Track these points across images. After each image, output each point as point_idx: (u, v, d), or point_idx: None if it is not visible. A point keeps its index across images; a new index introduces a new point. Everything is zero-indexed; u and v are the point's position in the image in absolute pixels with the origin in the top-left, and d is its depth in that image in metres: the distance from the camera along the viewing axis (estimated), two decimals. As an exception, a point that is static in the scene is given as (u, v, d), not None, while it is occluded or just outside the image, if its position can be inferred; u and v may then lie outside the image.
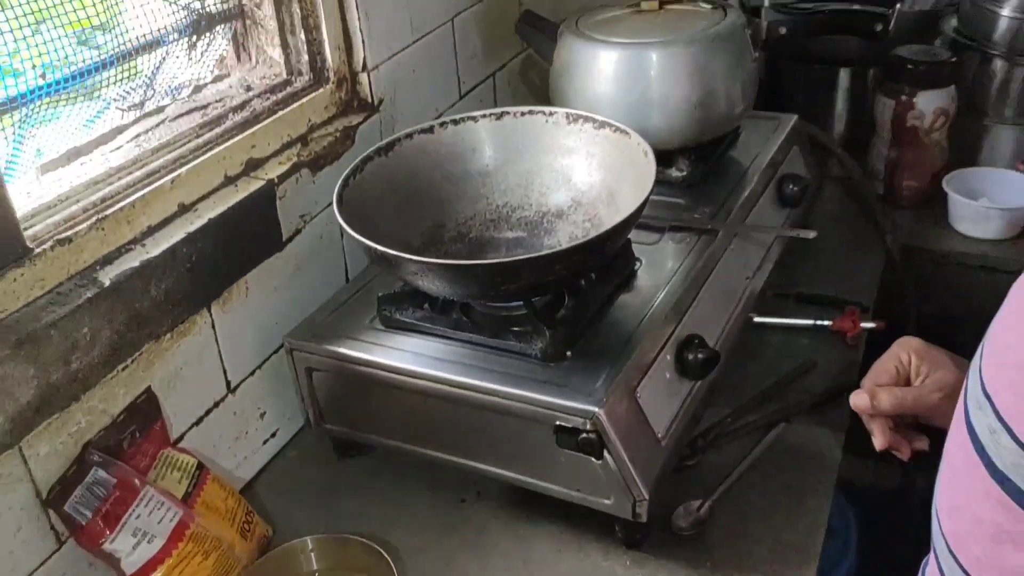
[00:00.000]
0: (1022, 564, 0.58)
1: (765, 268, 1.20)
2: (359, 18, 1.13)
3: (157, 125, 1.03)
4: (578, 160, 1.08)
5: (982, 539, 0.61)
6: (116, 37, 0.99)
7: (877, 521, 1.50)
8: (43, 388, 0.77)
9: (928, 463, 0.81)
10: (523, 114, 1.11)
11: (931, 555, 0.71)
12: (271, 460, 1.08)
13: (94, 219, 0.84)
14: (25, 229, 0.80)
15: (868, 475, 1.60)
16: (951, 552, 0.64)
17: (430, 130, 1.10)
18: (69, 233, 0.82)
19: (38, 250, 0.79)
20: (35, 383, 0.77)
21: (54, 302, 0.79)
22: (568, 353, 0.92)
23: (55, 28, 0.92)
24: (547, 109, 1.11)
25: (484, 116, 1.11)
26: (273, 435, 1.08)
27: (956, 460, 0.63)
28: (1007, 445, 0.56)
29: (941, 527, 0.66)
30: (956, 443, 0.63)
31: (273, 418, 1.08)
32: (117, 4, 0.98)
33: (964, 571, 0.63)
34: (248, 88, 1.12)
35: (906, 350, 0.93)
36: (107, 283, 0.82)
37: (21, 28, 0.87)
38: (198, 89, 1.11)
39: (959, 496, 0.63)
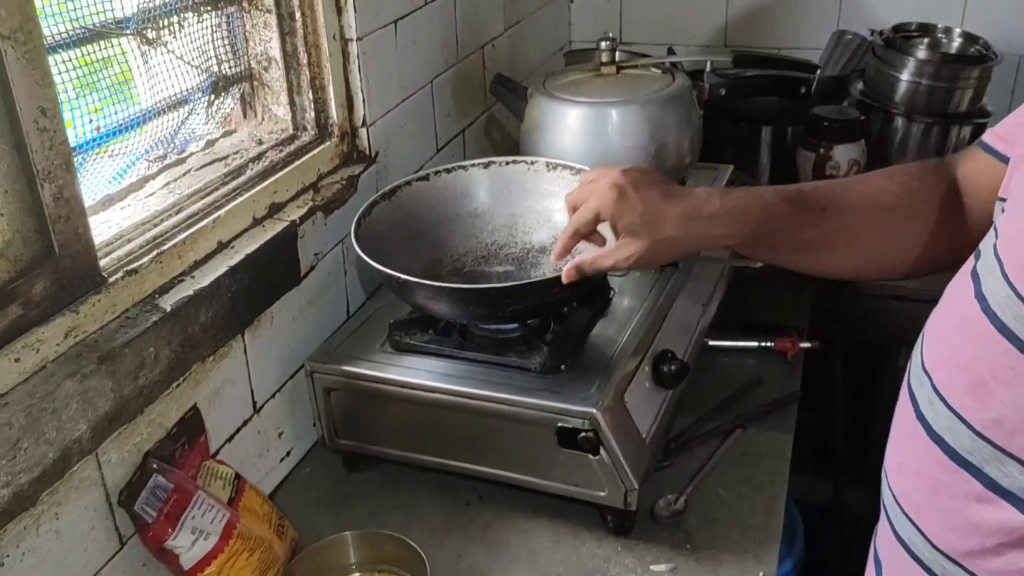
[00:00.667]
0: (958, 508, 0.73)
1: (716, 297, 1.37)
2: (361, 80, 1.27)
3: (184, 174, 1.14)
4: (557, 203, 1.24)
5: (923, 490, 0.77)
6: (152, 97, 1.11)
7: (811, 533, 1.67)
8: (118, 400, 0.88)
9: (857, 480, 0.96)
10: (508, 163, 1.27)
11: (881, 515, 0.86)
12: (287, 477, 1.18)
13: (153, 253, 0.95)
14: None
15: (801, 490, 1.78)
16: (898, 503, 0.81)
17: (426, 178, 1.25)
18: (135, 265, 0.93)
19: (111, 280, 0.90)
20: (112, 396, 0.87)
21: (125, 325, 0.90)
22: (562, 366, 1.07)
23: (106, 88, 1.04)
24: (529, 159, 1.27)
25: (473, 165, 1.26)
26: (288, 453, 1.19)
27: (902, 428, 0.79)
28: (942, 412, 0.72)
29: (889, 484, 0.82)
30: (901, 414, 0.79)
31: (289, 437, 1.18)
32: (145, 69, 1.10)
33: (910, 519, 0.79)
34: (259, 142, 1.25)
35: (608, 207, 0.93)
36: (168, 309, 0.93)
37: (82, 87, 0.99)
38: (211, 143, 1.24)
39: (904, 456, 0.80)
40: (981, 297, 0.70)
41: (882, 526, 0.84)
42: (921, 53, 1.60)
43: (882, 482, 0.83)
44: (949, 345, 0.73)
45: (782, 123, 1.77)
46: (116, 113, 1.06)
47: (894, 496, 0.80)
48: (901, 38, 1.66)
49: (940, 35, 1.73)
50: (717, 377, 1.33)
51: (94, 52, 1.01)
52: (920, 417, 0.75)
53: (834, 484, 1.81)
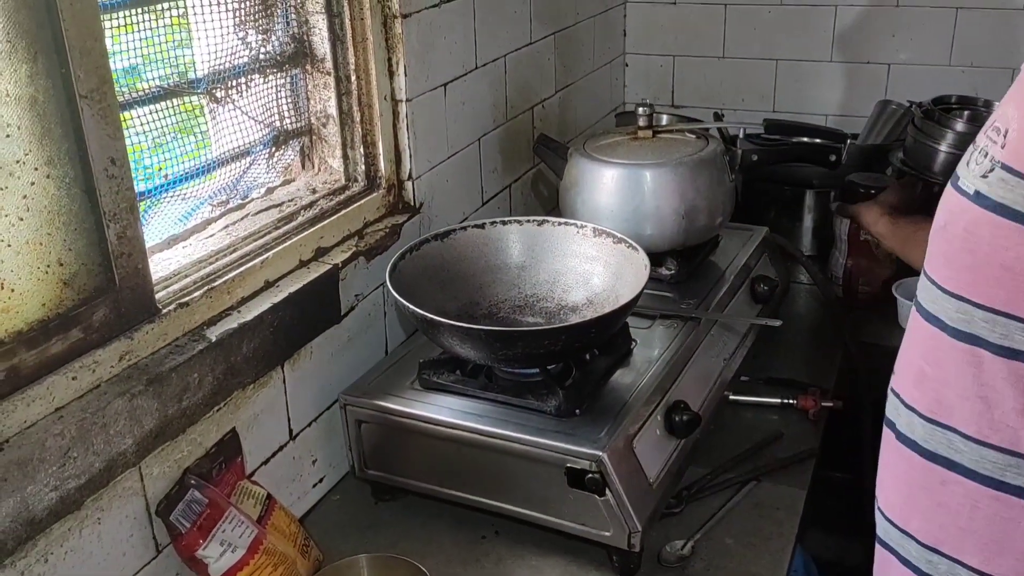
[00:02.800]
0: (930, 499, 0.80)
1: (740, 353, 1.42)
2: (408, 137, 1.38)
3: (241, 219, 1.26)
4: (597, 267, 1.31)
5: (901, 492, 0.84)
6: (218, 148, 1.23)
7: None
8: (162, 419, 0.97)
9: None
10: (560, 224, 1.35)
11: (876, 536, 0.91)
12: (318, 502, 1.26)
13: (204, 289, 1.06)
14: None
15: (832, 551, 1.77)
16: (883, 514, 0.87)
17: (481, 226, 1.34)
18: (187, 299, 1.03)
19: (164, 311, 1.00)
20: (157, 415, 0.96)
21: (174, 352, 1.00)
22: (577, 411, 1.13)
23: (177, 139, 1.16)
24: (578, 223, 1.34)
25: (529, 221, 1.35)
26: (321, 480, 1.27)
27: (883, 447, 0.88)
28: (903, 412, 0.84)
29: (876, 500, 0.88)
30: (883, 437, 0.88)
31: (322, 465, 1.27)
32: (214, 124, 1.23)
33: (895, 525, 0.85)
34: (313, 191, 1.36)
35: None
36: (213, 339, 1.03)
37: (154, 140, 1.11)
38: (270, 191, 1.35)
39: (884, 470, 0.87)
40: (916, 301, 0.83)
41: (876, 546, 0.90)
42: (960, 126, 1.63)
43: (875, 507, 0.89)
44: (903, 356, 0.87)
45: (824, 188, 1.81)
46: (185, 162, 1.19)
47: (880, 510, 0.89)
48: (940, 110, 1.69)
49: (981, 108, 1.75)
50: (738, 430, 1.36)
51: (168, 108, 1.14)
52: (890, 426, 0.86)
53: (863, 546, 1.80)
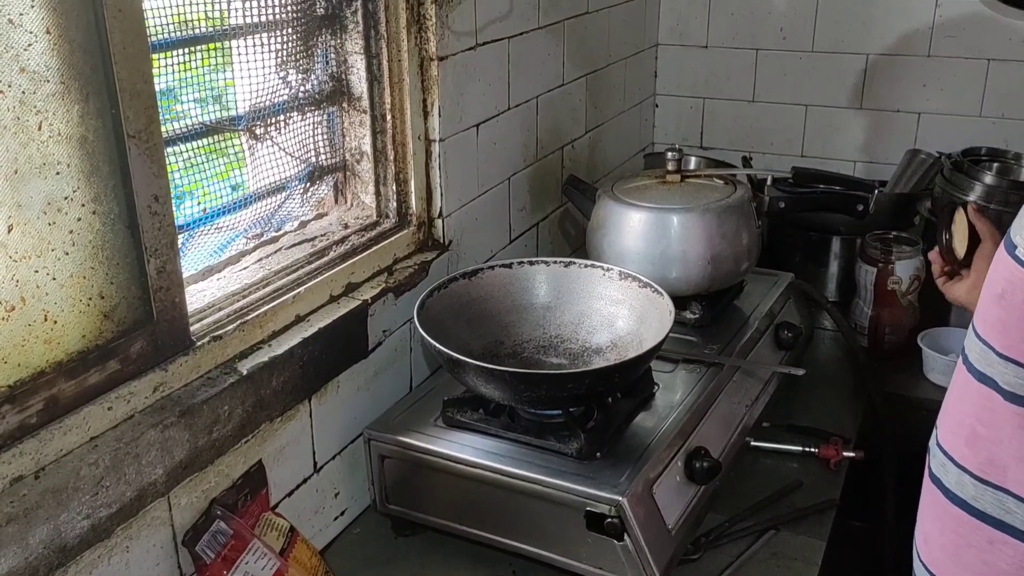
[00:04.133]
0: (976, 556, 0.81)
1: (762, 400, 1.42)
2: (440, 176, 1.40)
3: (275, 252, 1.28)
4: (622, 310, 1.33)
5: (947, 549, 0.85)
6: (255, 183, 1.27)
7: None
8: (192, 450, 1.00)
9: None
10: (586, 266, 1.37)
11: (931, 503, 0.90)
12: (339, 535, 1.28)
13: (237, 323, 1.09)
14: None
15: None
16: (927, 569, 0.87)
17: (509, 266, 1.36)
18: (220, 332, 1.06)
19: (198, 344, 1.03)
20: (188, 446, 0.99)
21: (206, 384, 1.03)
22: (598, 454, 1.14)
23: (213, 176, 1.19)
24: (605, 265, 1.36)
25: (556, 262, 1.37)
26: (342, 513, 1.28)
27: (925, 501, 0.89)
28: (952, 470, 0.85)
29: (920, 555, 0.89)
30: (925, 491, 0.89)
31: (344, 498, 1.28)
32: (248, 159, 1.26)
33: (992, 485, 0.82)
34: (345, 226, 1.38)
35: None
36: (244, 372, 1.06)
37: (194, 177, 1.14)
38: (303, 224, 1.38)
39: (928, 525, 0.88)
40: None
41: None
42: (988, 178, 1.64)
43: (914, 560, 0.90)
44: (951, 413, 0.87)
45: (850, 236, 1.81)
46: (223, 196, 1.22)
47: (924, 565, 0.90)
48: (969, 162, 1.70)
49: (1011, 160, 1.76)
50: (758, 478, 1.36)
51: (209, 144, 1.17)
52: (936, 482, 0.87)
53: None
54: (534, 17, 1.61)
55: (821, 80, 2.10)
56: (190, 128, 1.14)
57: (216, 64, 1.17)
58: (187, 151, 1.13)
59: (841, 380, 1.63)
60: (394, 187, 1.40)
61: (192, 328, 1.05)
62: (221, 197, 1.21)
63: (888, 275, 1.63)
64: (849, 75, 2.08)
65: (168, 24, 1.06)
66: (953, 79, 1.98)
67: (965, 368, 0.84)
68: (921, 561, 0.90)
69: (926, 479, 0.90)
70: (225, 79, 1.19)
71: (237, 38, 1.18)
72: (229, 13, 1.17)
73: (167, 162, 0.97)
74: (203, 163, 1.17)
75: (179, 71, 1.10)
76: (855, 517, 1.51)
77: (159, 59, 1.04)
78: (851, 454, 1.39)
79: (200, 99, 1.17)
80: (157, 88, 0.96)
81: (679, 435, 1.19)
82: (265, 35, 1.20)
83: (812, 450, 1.39)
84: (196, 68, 1.13)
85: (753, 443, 1.40)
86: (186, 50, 1.11)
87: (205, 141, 1.17)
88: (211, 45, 1.15)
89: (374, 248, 1.33)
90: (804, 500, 1.31)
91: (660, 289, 1.28)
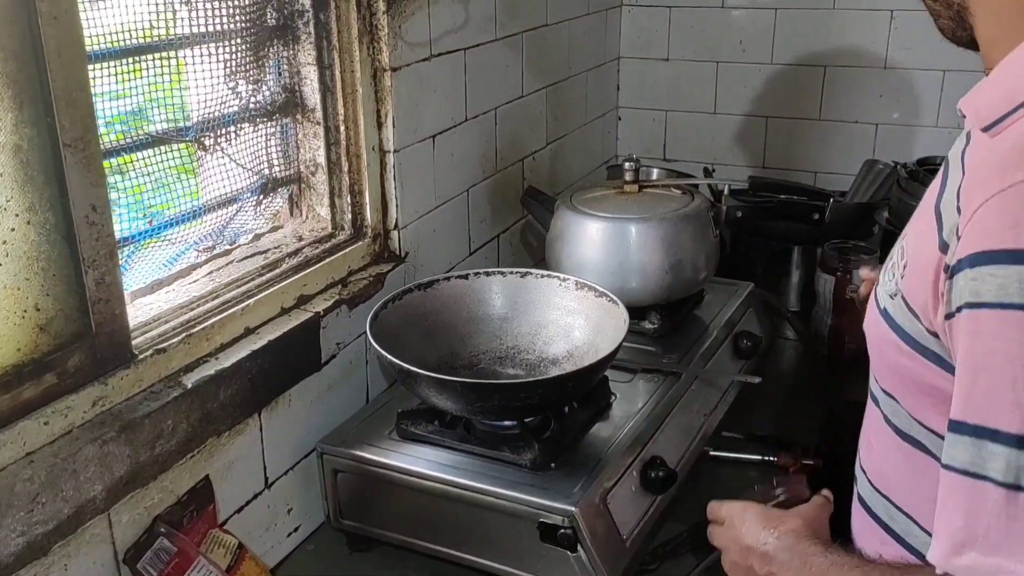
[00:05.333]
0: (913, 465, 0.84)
1: (721, 409, 1.42)
2: (395, 187, 1.39)
3: (226, 265, 1.27)
4: (579, 320, 1.32)
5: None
6: (205, 195, 1.25)
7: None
8: (133, 466, 0.97)
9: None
10: (543, 276, 1.36)
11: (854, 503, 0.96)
12: (292, 551, 1.25)
13: (183, 336, 1.07)
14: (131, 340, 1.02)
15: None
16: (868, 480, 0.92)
17: (465, 277, 1.35)
18: (164, 345, 1.04)
19: (141, 357, 1.01)
20: (128, 461, 0.97)
21: (148, 398, 1.00)
22: (552, 464, 1.13)
23: (163, 185, 1.18)
24: (561, 276, 1.35)
25: (512, 273, 1.36)
26: (296, 529, 1.26)
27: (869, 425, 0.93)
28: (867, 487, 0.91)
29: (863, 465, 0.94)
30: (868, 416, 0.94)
31: (298, 514, 1.26)
32: (198, 170, 1.24)
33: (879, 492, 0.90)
34: (300, 238, 1.37)
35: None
36: (189, 386, 1.04)
37: (140, 185, 1.12)
38: (257, 237, 1.36)
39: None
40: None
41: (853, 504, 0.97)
42: (943, 185, 1.65)
43: (856, 469, 0.97)
44: (863, 429, 0.95)
45: (811, 245, 1.82)
46: (171, 208, 1.20)
47: (866, 475, 0.94)
48: (925, 171, 1.71)
49: (966, 168, 1.77)
50: (717, 487, 1.35)
51: (155, 155, 1.16)
52: (856, 489, 0.95)
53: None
54: (491, 29, 1.61)
55: (781, 92, 2.12)
56: (136, 138, 1.12)
57: (163, 74, 1.16)
58: (132, 161, 1.12)
59: (801, 389, 1.63)
60: (349, 199, 1.38)
61: (135, 341, 1.02)
62: (169, 209, 1.20)
63: (846, 284, 1.63)
64: (808, 87, 2.10)
65: (111, 33, 1.04)
66: (909, 90, 2.00)
67: (869, 398, 0.92)
68: (862, 466, 0.95)
69: (856, 490, 0.96)
70: (172, 89, 1.18)
71: (184, 48, 1.17)
72: (176, 23, 1.15)
73: (106, 172, 0.96)
74: (150, 174, 1.15)
75: (124, 81, 1.09)
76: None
77: (103, 68, 1.03)
78: (810, 462, 1.38)
79: (147, 109, 1.16)
80: (99, 97, 0.95)
81: (635, 445, 1.18)
82: (213, 45, 1.19)
83: (771, 459, 1.39)
84: (142, 78, 1.12)
85: (712, 452, 1.39)
86: (131, 60, 1.09)
87: (152, 152, 1.15)
88: (158, 55, 1.14)
89: (328, 260, 1.32)
90: (763, 509, 1.30)
91: (615, 299, 1.27)
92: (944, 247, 0.71)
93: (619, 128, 2.31)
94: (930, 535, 0.74)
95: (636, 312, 1.44)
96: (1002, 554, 0.66)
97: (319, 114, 1.35)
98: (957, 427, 0.69)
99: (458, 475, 1.13)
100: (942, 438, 0.72)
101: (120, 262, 1.11)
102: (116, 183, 1.11)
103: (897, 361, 0.80)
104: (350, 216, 1.39)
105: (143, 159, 1.13)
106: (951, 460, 0.70)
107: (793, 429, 1.49)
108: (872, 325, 0.86)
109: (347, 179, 1.37)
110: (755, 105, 2.16)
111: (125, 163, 1.10)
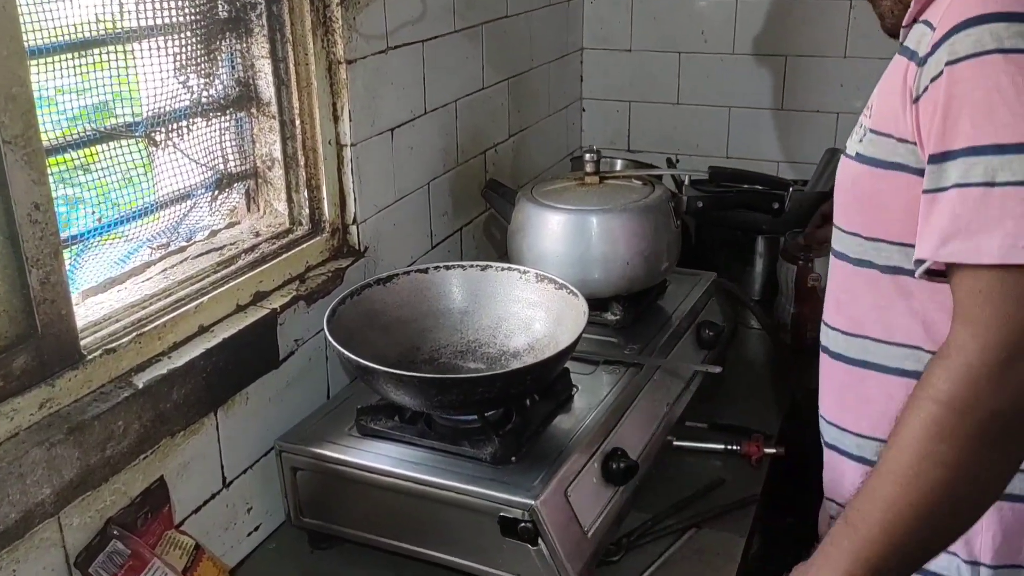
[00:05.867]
0: (859, 401, 1.03)
1: (684, 399, 1.42)
2: (353, 181, 1.38)
3: (181, 262, 1.25)
4: (539, 312, 1.31)
5: (829, 393, 1.09)
6: (157, 191, 1.23)
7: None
8: (83, 469, 0.95)
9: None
10: (503, 269, 1.35)
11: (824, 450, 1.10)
12: (253, 551, 1.24)
13: (133, 335, 1.05)
14: (80, 340, 1.00)
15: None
16: (823, 417, 1.09)
17: (425, 271, 1.34)
18: (114, 345, 1.02)
19: (89, 357, 0.99)
20: (78, 464, 0.95)
21: (98, 399, 0.99)
22: (513, 458, 1.12)
23: (113, 182, 1.15)
24: (521, 268, 1.35)
25: (472, 266, 1.35)
26: (256, 528, 1.25)
27: (821, 370, 1.09)
28: (830, 335, 1.06)
29: (822, 415, 1.10)
30: (820, 362, 1.09)
31: (258, 513, 1.24)
32: (151, 166, 1.22)
33: (827, 420, 1.08)
34: (257, 234, 1.35)
35: None
36: (140, 386, 1.02)
37: (87, 182, 1.10)
38: (214, 233, 1.34)
39: (822, 384, 1.11)
40: (831, 248, 1.05)
41: (824, 449, 1.13)
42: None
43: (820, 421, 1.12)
44: (827, 294, 1.08)
45: (774, 235, 1.83)
46: (121, 205, 1.18)
47: (823, 417, 1.11)
48: (884, 157, 1.72)
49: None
50: (681, 476, 1.36)
51: (104, 151, 1.13)
52: (824, 349, 1.09)
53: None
54: (449, 20, 1.59)
55: (742, 82, 2.12)
56: (84, 134, 1.10)
57: (111, 69, 1.13)
58: (80, 158, 1.09)
59: (765, 377, 1.64)
60: (306, 193, 1.37)
61: (84, 341, 1.01)
62: (120, 206, 1.18)
63: (808, 272, 1.65)
64: (769, 77, 2.10)
65: (55, 27, 1.02)
66: (869, 79, 2.00)
67: (831, 255, 1.05)
68: (822, 416, 1.10)
69: (820, 354, 1.09)
70: (120, 83, 1.16)
71: (132, 42, 1.14)
72: (123, 16, 1.13)
73: (50, 170, 0.94)
74: (98, 170, 1.13)
75: (70, 76, 1.07)
76: (788, 513, 1.51)
77: (48, 63, 1.00)
78: (772, 450, 1.39)
79: (95, 104, 1.14)
80: (39, 94, 0.93)
81: (596, 437, 1.18)
82: (163, 39, 1.17)
83: (734, 447, 1.39)
84: (88, 73, 1.10)
85: (676, 442, 1.39)
86: (78, 54, 1.07)
87: (101, 148, 1.13)
88: (105, 49, 1.12)
89: (285, 256, 1.30)
90: (726, 497, 1.31)
91: (575, 291, 1.27)
92: (914, 56, 0.87)
93: (583, 119, 2.30)
94: (907, 346, 0.95)
95: (598, 303, 1.44)
96: (979, 236, 0.79)
97: (274, 108, 1.33)
98: (941, 157, 0.82)
99: (418, 471, 1.12)
100: (904, 245, 0.91)
101: (68, 261, 1.10)
102: (65, 180, 1.09)
103: (870, 187, 0.95)
104: (308, 211, 1.38)
105: (92, 155, 1.11)
106: (935, 183, 0.83)
107: (756, 418, 1.49)
108: (844, 174, 1.01)
109: (304, 173, 1.36)
110: (718, 95, 2.16)
111: (71, 161, 1.08)
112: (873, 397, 1.01)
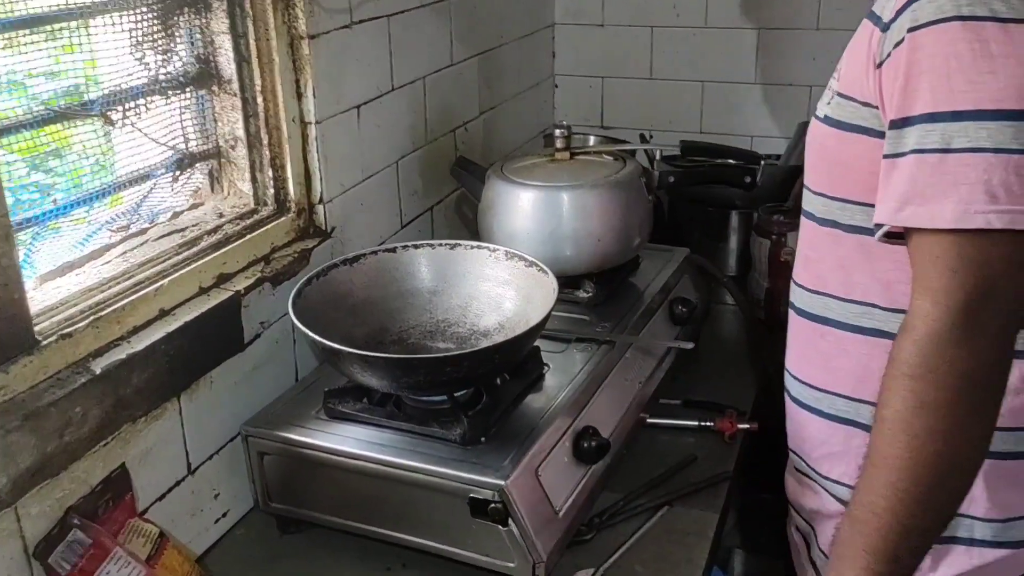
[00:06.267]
0: (813, 350, 1.07)
1: (657, 376, 1.41)
2: (318, 160, 1.35)
3: (141, 244, 1.22)
4: (509, 291, 1.29)
5: (796, 347, 1.12)
6: (115, 172, 1.19)
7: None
8: (40, 457, 0.93)
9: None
10: (472, 247, 1.33)
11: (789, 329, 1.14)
12: (221, 538, 1.22)
13: (90, 319, 1.02)
14: (35, 326, 0.97)
15: (759, 573, 1.76)
16: (788, 371, 1.14)
17: (393, 250, 1.32)
18: (70, 330, 0.99)
19: (44, 343, 0.96)
20: (35, 452, 0.92)
21: (55, 385, 0.96)
22: (483, 439, 1.11)
23: (68, 163, 1.12)
24: (491, 246, 1.33)
25: (441, 245, 1.33)
26: (224, 515, 1.23)
27: (789, 327, 1.13)
28: (796, 291, 1.09)
29: (785, 363, 1.14)
30: (789, 319, 1.12)
31: (225, 499, 1.22)
32: (113, 146, 1.19)
33: (792, 375, 1.12)
34: (221, 215, 1.32)
35: None
36: (98, 371, 0.99)
37: (42, 162, 1.07)
38: (176, 215, 1.31)
39: (790, 341, 1.14)
40: (802, 209, 1.08)
41: (786, 400, 1.16)
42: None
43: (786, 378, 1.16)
44: (798, 253, 1.10)
45: (747, 210, 1.82)
46: (78, 186, 1.15)
47: (790, 374, 1.14)
48: (856, 130, 1.71)
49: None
50: (654, 454, 1.35)
51: (58, 130, 1.10)
52: (791, 306, 1.12)
53: (785, 565, 1.80)
54: (415, -6, 1.56)
55: (716, 56, 2.11)
56: (37, 114, 1.06)
57: (63, 45, 1.10)
58: (33, 138, 1.06)
59: (739, 353, 1.63)
60: (271, 173, 1.34)
61: (39, 327, 0.98)
62: (76, 187, 1.14)
63: (781, 247, 1.64)
64: (742, 50, 2.09)
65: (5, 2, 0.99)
66: (840, 52, 1.99)
67: (802, 216, 1.07)
68: (788, 371, 1.14)
69: (788, 309, 1.13)
70: (74, 61, 1.12)
71: (85, 17, 1.11)
72: (75, -9, 1.09)
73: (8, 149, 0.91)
74: (53, 151, 1.09)
75: (19, 53, 1.03)
76: (765, 489, 1.51)
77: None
78: (746, 426, 1.38)
79: (88, 78, 1.10)
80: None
81: (567, 415, 1.16)
82: (117, 14, 1.13)
83: (708, 424, 1.39)
84: (41, 49, 1.06)
85: (649, 420, 1.38)
86: (28, 31, 1.03)
87: (55, 127, 1.10)
88: (56, 25, 1.08)
89: (249, 237, 1.27)
90: (699, 474, 1.30)
91: (545, 268, 1.25)
92: (878, 21, 0.88)
93: (556, 96, 2.27)
94: (864, 304, 0.98)
95: (570, 281, 1.43)
96: (934, 201, 0.81)
97: (236, 85, 1.30)
98: (901, 123, 0.84)
99: (387, 453, 1.10)
100: (866, 205, 0.92)
101: (24, 246, 1.07)
102: (17, 161, 1.06)
103: (835, 148, 0.97)
104: (272, 191, 1.35)
105: (47, 135, 1.08)
106: (894, 149, 0.84)
107: (730, 394, 1.49)
108: (813, 136, 1.03)
109: (268, 152, 1.33)
110: (691, 70, 2.14)
111: (26, 140, 1.05)
112: (831, 352, 1.04)
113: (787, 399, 1.15)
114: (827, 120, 0.98)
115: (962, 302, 0.81)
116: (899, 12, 0.85)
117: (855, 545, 0.88)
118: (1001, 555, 0.98)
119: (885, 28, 0.87)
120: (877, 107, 0.90)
